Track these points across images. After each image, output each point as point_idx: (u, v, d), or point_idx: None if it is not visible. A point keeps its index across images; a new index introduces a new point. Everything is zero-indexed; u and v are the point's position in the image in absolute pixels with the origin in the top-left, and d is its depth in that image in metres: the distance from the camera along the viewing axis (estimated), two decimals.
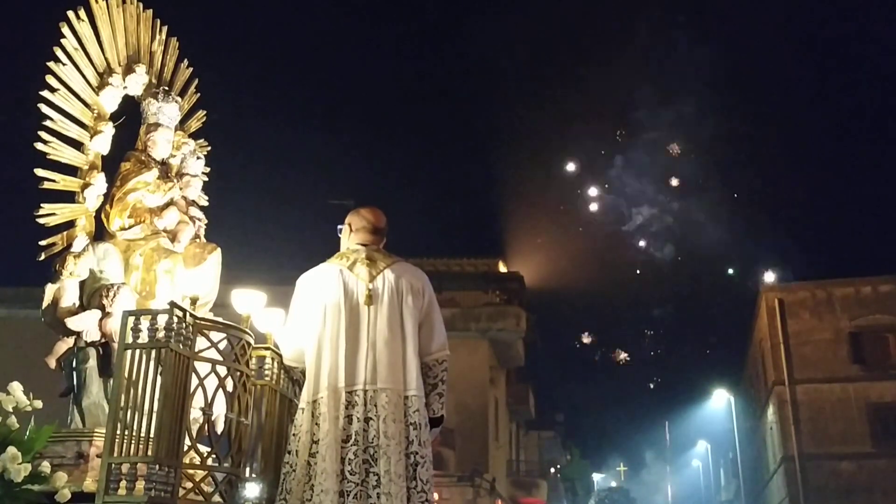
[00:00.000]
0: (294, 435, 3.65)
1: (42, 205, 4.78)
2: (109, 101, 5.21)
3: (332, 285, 3.71)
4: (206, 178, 5.86)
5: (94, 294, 4.76)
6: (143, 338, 3.71)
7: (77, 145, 4.99)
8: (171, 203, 5.31)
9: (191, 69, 5.96)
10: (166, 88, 5.57)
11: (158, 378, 3.66)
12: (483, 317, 26.28)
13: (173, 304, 3.80)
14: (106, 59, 5.21)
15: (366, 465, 3.44)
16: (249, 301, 4.40)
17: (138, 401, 3.62)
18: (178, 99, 5.62)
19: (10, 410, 3.61)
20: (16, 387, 3.73)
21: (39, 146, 4.79)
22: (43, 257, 4.79)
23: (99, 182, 5.02)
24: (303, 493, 3.46)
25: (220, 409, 4.05)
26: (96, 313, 4.68)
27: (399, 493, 3.41)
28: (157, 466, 3.54)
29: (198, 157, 5.76)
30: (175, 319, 3.75)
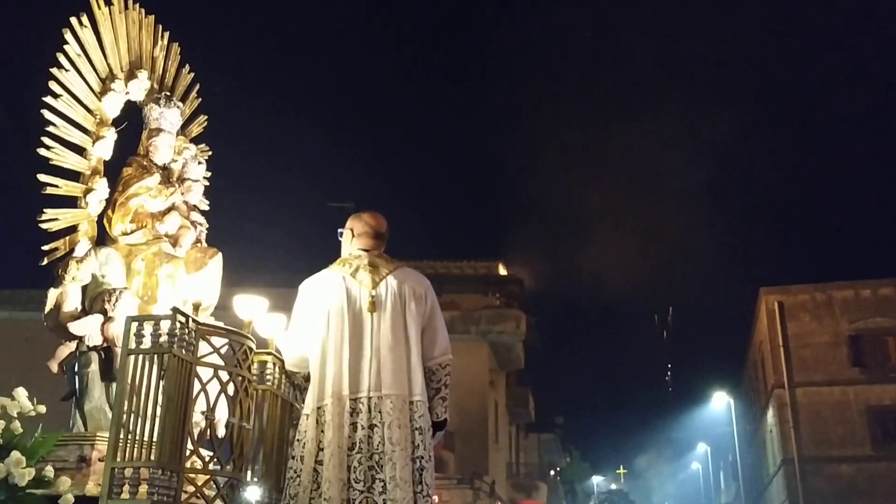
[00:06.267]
0: (299, 441, 3.65)
1: (45, 210, 4.80)
2: (112, 106, 5.23)
3: (334, 292, 3.71)
4: (208, 183, 5.89)
5: (96, 299, 4.78)
6: (147, 343, 3.74)
7: (79, 150, 5.01)
8: (172, 208, 5.33)
9: (192, 74, 5.99)
10: (168, 94, 5.60)
11: (161, 383, 3.69)
12: (483, 319, 26.23)
13: (176, 310, 3.82)
14: (108, 64, 5.24)
15: (371, 471, 3.44)
16: (251, 306, 4.42)
17: (141, 405, 3.64)
18: (180, 104, 5.65)
19: (15, 415, 3.63)
20: (21, 392, 3.75)
21: (42, 151, 4.81)
22: (45, 262, 4.80)
23: (101, 187, 5.04)
24: (309, 500, 3.47)
25: (222, 414, 4.07)
26: (98, 318, 4.70)
27: (405, 498, 3.42)
28: (160, 471, 3.56)
29: (199, 162, 5.78)
30: (178, 325, 3.77)
